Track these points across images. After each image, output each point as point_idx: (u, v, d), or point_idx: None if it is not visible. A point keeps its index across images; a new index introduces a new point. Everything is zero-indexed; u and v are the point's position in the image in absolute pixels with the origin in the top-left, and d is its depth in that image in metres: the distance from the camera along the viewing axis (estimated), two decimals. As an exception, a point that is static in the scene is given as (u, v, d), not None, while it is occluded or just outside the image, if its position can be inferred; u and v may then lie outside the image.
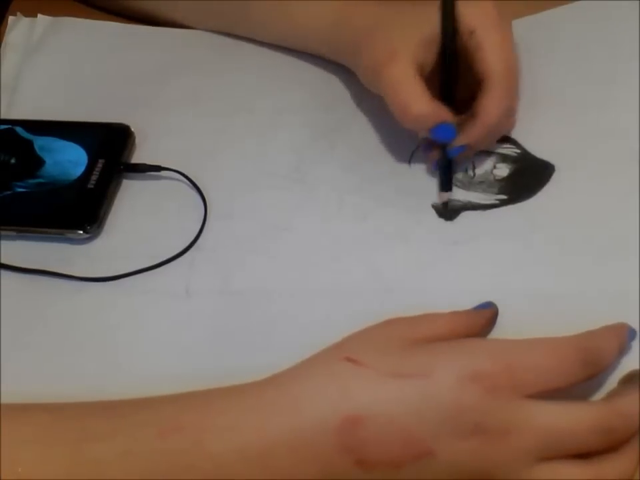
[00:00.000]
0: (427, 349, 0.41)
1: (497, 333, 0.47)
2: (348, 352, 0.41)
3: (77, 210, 0.53)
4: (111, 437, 0.39)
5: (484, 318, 0.46)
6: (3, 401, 0.41)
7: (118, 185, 0.56)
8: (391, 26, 0.53)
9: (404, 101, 0.51)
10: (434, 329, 0.43)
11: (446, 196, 0.53)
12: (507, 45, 0.52)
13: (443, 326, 0.43)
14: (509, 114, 0.53)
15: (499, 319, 0.47)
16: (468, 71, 0.52)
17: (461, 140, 0.52)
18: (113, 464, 0.38)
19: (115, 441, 0.39)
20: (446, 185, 0.53)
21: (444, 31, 0.52)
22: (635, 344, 0.46)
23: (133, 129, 0.57)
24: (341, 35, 0.57)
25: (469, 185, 0.54)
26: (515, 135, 0.56)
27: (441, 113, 0.51)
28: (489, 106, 0.51)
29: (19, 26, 0.66)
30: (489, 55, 0.51)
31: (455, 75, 0.52)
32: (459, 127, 0.52)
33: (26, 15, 0.66)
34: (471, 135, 0.52)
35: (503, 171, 0.55)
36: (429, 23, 0.52)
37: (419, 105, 0.51)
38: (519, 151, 0.56)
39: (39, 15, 0.66)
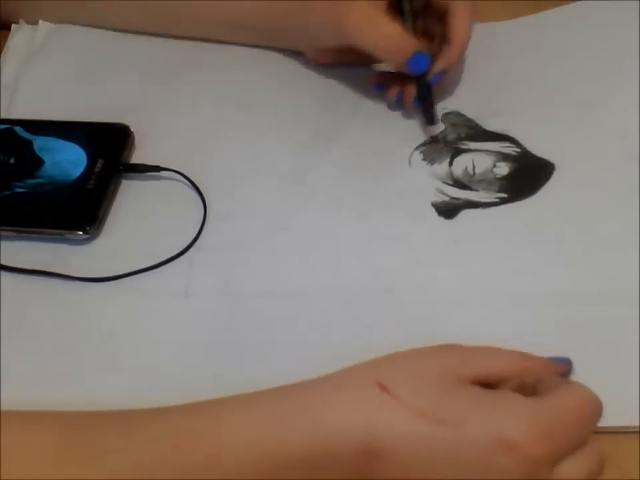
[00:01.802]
0: (466, 396, 0.39)
1: (497, 332, 0.46)
2: (382, 376, 0.39)
3: (76, 210, 0.53)
4: (125, 448, 0.38)
5: (554, 371, 0.43)
6: (3, 402, 0.41)
7: (117, 185, 0.56)
8: None
9: (381, 36, 0.54)
10: (493, 366, 0.40)
11: (434, 129, 0.56)
12: None
13: (507, 364, 0.41)
14: None
15: (498, 319, 0.46)
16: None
17: (440, 65, 0.55)
18: (127, 476, 0.38)
19: (127, 456, 0.38)
20: (431, 118, 0.56)
21: None
22: (635, 341, 0.46)
23: (132, 129, 0.57)
24: (277, 7, 0.59)
25: (469, 183, 0.54)
26: (515, 133, 0.56)
27: (416, 42, 0.54)
28: (460, 27, 0.54)
29: (21, 32, 0.66)
30: None
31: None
32: (432, 56, 0.55)
33: (27, 22, 0.66)
34: (449, 57, 0.55)
35: (503, 169, 0.55)
36: None
37: (398, 37, 0.53)
38: (518, 149, 0.56)
39: (40, 22, 0.66)
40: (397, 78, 0.58)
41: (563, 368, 0.43)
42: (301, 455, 0.38)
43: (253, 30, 0.61)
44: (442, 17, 0.55)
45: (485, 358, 0.41)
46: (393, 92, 0.57)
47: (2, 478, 0.37)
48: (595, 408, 0.39)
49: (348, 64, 0.60)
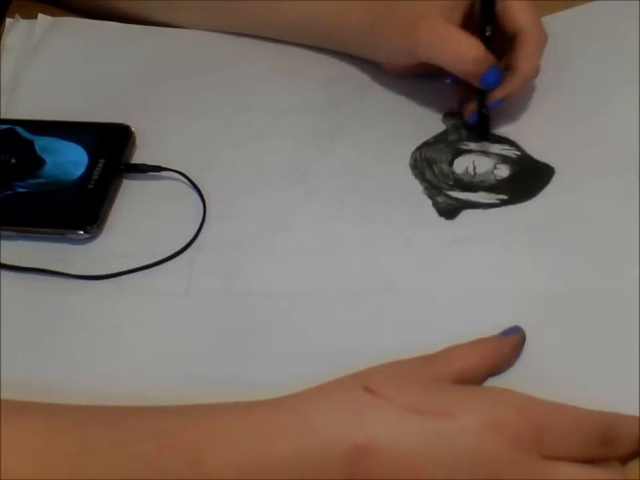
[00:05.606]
0: (451, 389, 0.40)
1: (497, 332, 0.47)
2: (367, 382, 0.40)
3: (77, 210, 0.53)
4: (108, 450, 0.38)
5: (511, 345, 0.45)
6: (3, 400, 0.41)
7: (118, 185, 0.56)
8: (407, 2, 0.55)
9: (459, 47, 0.53)
10: (461, 362, 0.42)
11: (486, 145, 0.55)
12: (531, 5, 0.54)
13: (470, 357, 0.43)
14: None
15: (498, 320, 0.47)
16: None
17: (500, 92, 0.54)
18: (109, 476, 0.38)
19: (112, 455, 0.38)
20: (486, 134, 0.56)
21: None
22: (635, 342, 0.46)
23: (133, 129, 0.57)
24: (348, 26, 0.58)
25: (469, 184, 0.54)
26: (515, 136, 0.56)
27: (491, 57, 0.53)
28: (527, 58, 0.54)
29: (18, 28, 0.66)
30: (519, 12, 0.54)
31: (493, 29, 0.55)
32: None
33: (24, 17, 0.66)
34: (511, 86, 0.54)
35: (504, 171, 0.55)
36: None
37: (476, 48, 0.52)
38: (518, 152, 0.56)
39: (39, 15, 0.66)
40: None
41: (516, 338, 0.45)
42: (289, 457, 0.38)
43: (329, 39, 0.61)
44: (511, 43, 0.54)
45: (452, 354, 0.43)
46: (470, 109, 0.56)
47: None
48: (600, 430, 0.40)
49: (421, 74, 0.59)
